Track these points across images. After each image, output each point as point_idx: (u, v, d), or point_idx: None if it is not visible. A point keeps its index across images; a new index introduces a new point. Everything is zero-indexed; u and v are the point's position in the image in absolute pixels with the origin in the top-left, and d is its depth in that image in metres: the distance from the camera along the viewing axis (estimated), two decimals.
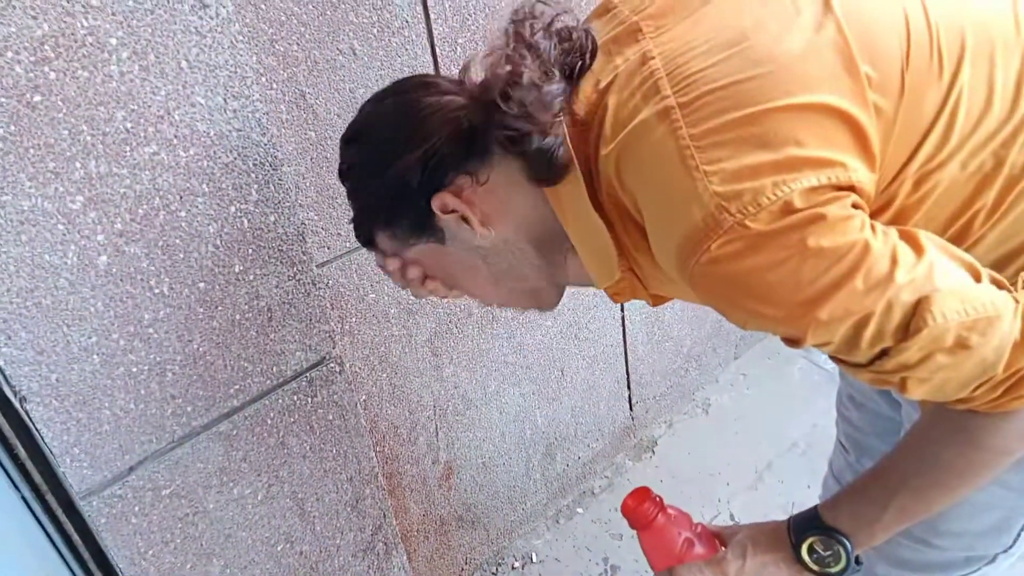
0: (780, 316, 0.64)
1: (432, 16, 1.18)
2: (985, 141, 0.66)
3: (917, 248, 0.63)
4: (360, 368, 1.28)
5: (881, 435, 1.11)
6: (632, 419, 1.97)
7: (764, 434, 2.01)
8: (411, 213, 0.76)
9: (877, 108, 0.64)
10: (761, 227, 0.60)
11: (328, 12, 1.07)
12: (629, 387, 1.92)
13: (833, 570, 0.80)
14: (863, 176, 0.63)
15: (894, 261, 0.61)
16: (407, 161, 0.73)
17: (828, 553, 0.80)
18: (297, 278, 0.95)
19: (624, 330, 1.82)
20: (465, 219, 0.75)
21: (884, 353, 0.64)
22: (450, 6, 1.20)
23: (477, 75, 0.73)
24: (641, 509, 0.90)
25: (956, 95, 0.65)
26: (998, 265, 0.71)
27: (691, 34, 0.69)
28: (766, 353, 2.28)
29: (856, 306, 0.61)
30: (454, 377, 1.45)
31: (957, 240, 0.70)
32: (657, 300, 0.84)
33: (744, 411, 2.10)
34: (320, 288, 0.99)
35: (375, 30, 1.12)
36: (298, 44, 1.05)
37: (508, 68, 0.69)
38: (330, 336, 1.00)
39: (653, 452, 2.00)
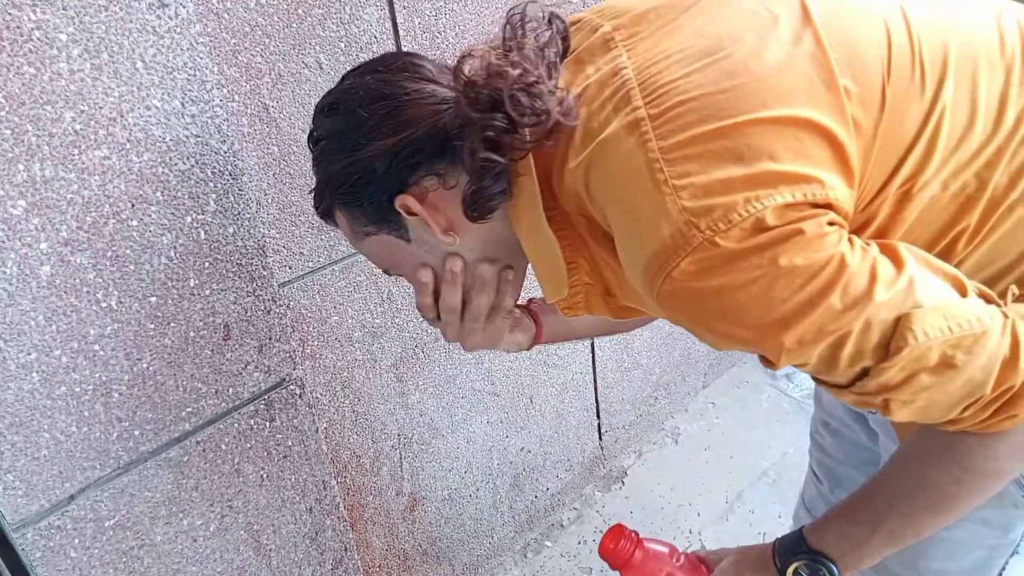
0: (751, 337, 0.61)
1: (401, 32, 1.16)
2: (968, 161, 0.64)
3: (897, 262, 0.61)
4: (321, 394, 1.23)
5: (857, 465, 1.08)
6: (601, 449, 1.94)
7: (734, 464, 1.98)
8: (373, 201, 0.72)
9: (856, 123, 0.62)
10: (732, 245, 0.58)
11: (294, 25, 1.04)
12: (598, 415, 1.88)
13: None
14: (841, 194, 0.60)
15: (873, 277, 0.59)
16: (378, 147, 0.69)
17: None
18: (256, 294, 0.90)
19: (593, 357, 1.79)
20: (426, 223, 0.72)
21: (865, 373, 0.61)
22: (420, 23, 1.18)
23: (475, 71, 0.69)
24: (618, 548, 0.89)
25: (939, 112, 0.63)
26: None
27: (666, 43, 0.67)
28: (734, 382, 2.27)
29: (832, 325, 0.58)
30: (420, 404, 1.40)
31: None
32: (621, 313, 0.81)
33: (713, 440, 2.07)
34: (280, 306, 0.94)
35: (342, 44, 1.10)
36: (262, 56, 1.02)
37: (517, 72, 0.66)
38: (290, 356, 0.95)
39: (623, 483, 1.96)
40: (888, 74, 0.63)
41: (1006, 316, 0.61)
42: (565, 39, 0.75)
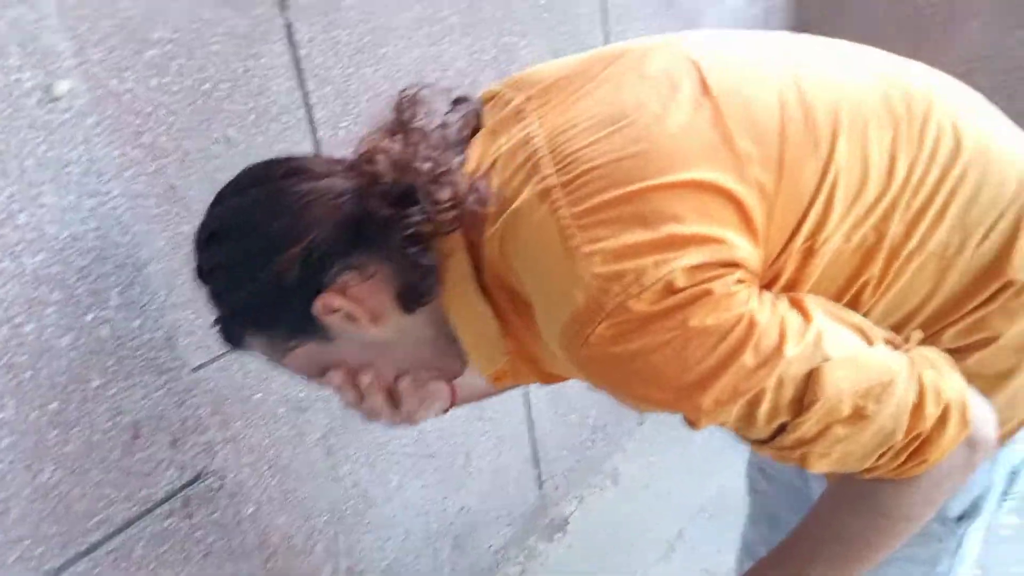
0: (670, 399, 0.62)
1: (312, 100, 1.15)
2: (865, 215, 0.67)
3: (805, 315, 0.62)
4: (247, 477, 1.18)
5: (792, 507, 1.09)
6: (542, 498, 1.92)
7: (673, 501, 1.99)
8: (290, 315, 0.70)
9: (758, 184, 0.64)
10: (644, 308, 0.58)
11: (200, 101, 1.01)
12: (537, 465, 1.87)
13: None
14: (746, 252, 0.62)
15: (782, 333, 0.60)
16: (285, 259, 0.67)
17: None
18: (167, 387, 0.86)
19: (528, 407, 1.78)
20: (352, 317, 0.70)
21: (783, 428, 0.63)
22: (331, 90, 1.17)
23: (377, 163, 0.68)
24: None
25: (834, 171, 0.66)
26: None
27: (573, 111, 0.68)
28: (669, 417, 2.29)
29: (746, 384, 0.60)
30: (352, 475, 1.36)
31: None
32: (549, 379, 0.81)
33: (652, 479, 2.08)
34: (195, 395, 0.90)
35: (252, 117, 1.08)
36: (167, 135, 0.99)
37: (428, 165, 0.66)
38: (207, 449, 0.91)
39: (565, 531, 1.94)
40: (784, 136, 0.66)
41: (912, 362, 0.64)
42: (476, 116, 0.75)
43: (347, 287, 0.69)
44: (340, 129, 1.20)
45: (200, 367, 1.08)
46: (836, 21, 2.22)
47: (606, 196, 0.61)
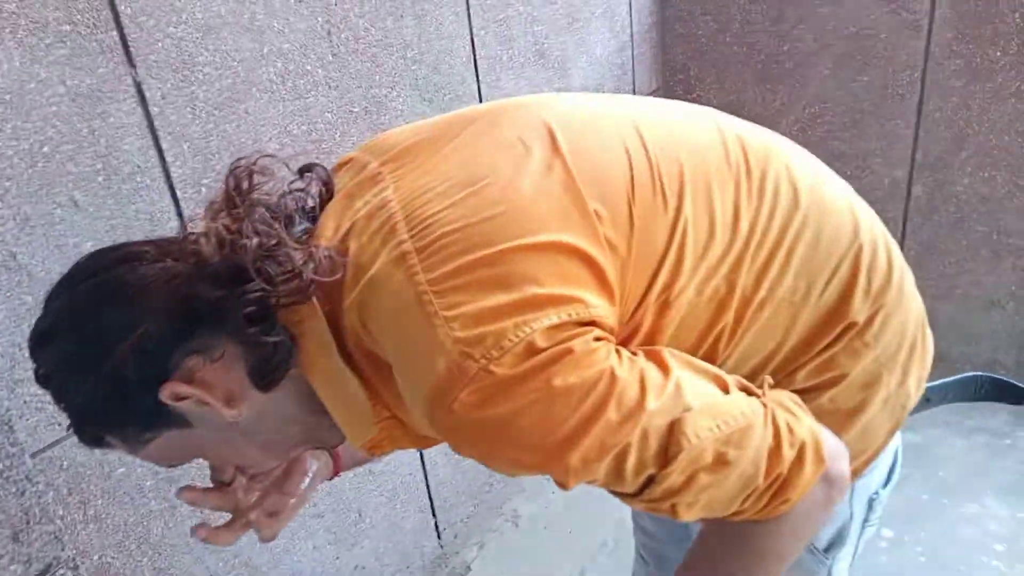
0: (539, 460, 0.61)
1: (169, 159, 1.11)
2: (715, 267, 0.69)
3: (663, 368, 0.64)
4: (113, 558, 1.10)
5: (676, 542, 1.12)
6: (442, 547, 1.88)
7: (573, 538, 2.00)
8: (140, 407, 0.66)
9: (610, 243, 0.65)
10: (507, 371, 0.58)
11: (40, 164, 0.96)
12: (435, 514, 1.84)
13: None
14: (603, 310, 0.63)
15: (643, 387, 0.61)
16: (121, 352, 0.64)
17: None
18: (4, 476, 0.79)
19: (422, 456, 1.75)
20: (203, 402, 0.67)
21: (651, 480, 0.64)
22: (189, 147, 1.13)
23: (208, 241, 0.66)
24: None
25: (683, 226, 0.68)
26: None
27: (429, 175, 0.68)
28: None
29: (612, 439, 0.60)
30: (234, 544, 1.29)
31: (706, 361, 0.72)
32: (426, 443, 0.80)
33: (552, 517, 2.08)
34: (43, 479, 0.84)
35: (100, 178, 1.03)
36: (2, 201, 0.93)
37: (256, 240, 0.64)
38: (56, 537, 0.84)
39: None
40: (633, 196, 0.68)
41: (766, 406, 0.66)
42: (325, 184, 0.75)
43: (194, 372, 0.66)
44: (202, 187, 1.16)
45: (54, 444, 1.00)
46: (698, 67, 2.36)
47: (462, 260, 0.61)
